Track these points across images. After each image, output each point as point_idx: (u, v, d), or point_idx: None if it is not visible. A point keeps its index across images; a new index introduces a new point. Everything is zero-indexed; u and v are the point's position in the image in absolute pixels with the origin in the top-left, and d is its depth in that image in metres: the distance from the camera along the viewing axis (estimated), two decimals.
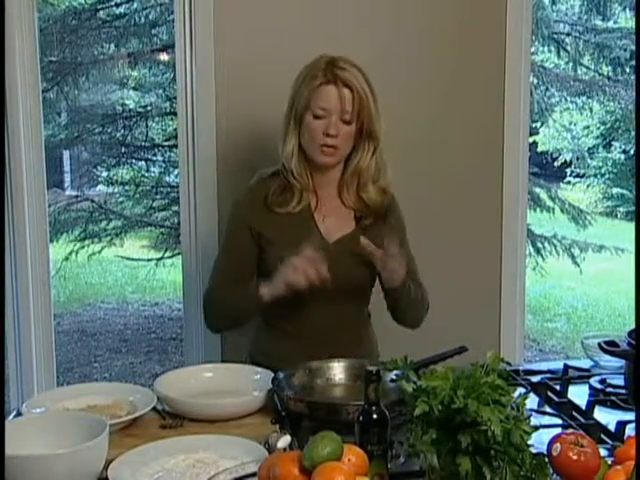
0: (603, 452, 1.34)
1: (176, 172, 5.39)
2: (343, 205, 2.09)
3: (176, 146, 3.46)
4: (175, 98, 3.22)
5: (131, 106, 6.64)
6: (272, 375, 1.76)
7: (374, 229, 2.07)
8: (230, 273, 2.08)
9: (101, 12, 5.91)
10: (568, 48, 6.98)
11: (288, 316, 2.05)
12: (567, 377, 1.95)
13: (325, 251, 2.00)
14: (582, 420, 1.66)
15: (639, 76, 1.81)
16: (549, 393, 1.84)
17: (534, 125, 9.57)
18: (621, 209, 10.98)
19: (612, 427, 1.60)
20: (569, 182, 11.38)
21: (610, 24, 7.85)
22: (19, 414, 1.66)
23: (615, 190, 11.04)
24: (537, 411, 1.73)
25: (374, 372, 1.29)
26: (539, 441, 1.29)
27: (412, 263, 2.15)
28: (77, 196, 6.38)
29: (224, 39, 2.64)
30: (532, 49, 3.36)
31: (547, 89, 7.12)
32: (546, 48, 7.14)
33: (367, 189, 2.06)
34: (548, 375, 1.95)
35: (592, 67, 7.53)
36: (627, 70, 7.69)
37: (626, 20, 8.13)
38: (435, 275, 2.62)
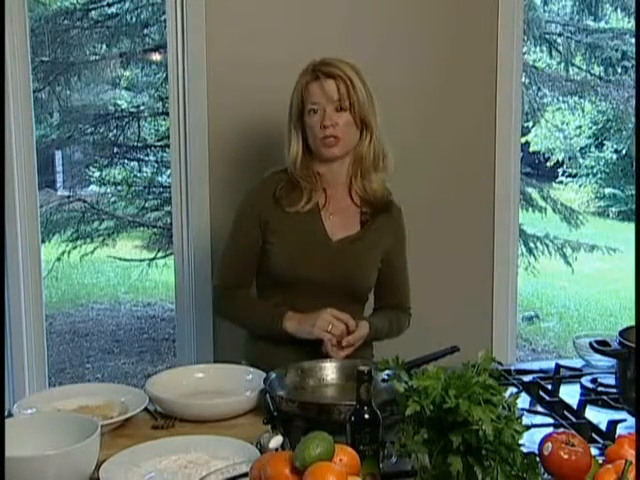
0: (594, 451, 1.34)
1: (168, 172, 5.37)
2: (352, 203, 2.12)
3: (168, 146, 3.45)
4: (167, 98, 3.21)
5: (123, 106, 6.63)
6: (264, 375, 1.76)
7: (377, 232, 2.11)
8: (235, 262, 2.13)
9: (93, 12, 5.91)
10: (560, 48, 7.00)
11: None
12: (559, 376, 1.95)
13: (327, 248, 2.04)
14: (573, 419, 1.67)
15: (639, 76, 1.81)
16: (541, 392, 1.84)
17: (526, 125, 9.56)
18: (613, 209, 10.99)
19: (603, 426, 1.60)
20: (561, 182, 11.38)
21: (602, 24, 7.86)
22: (10, 415, 1.66)
23: (607, 190, 11.03)
24: (529, 410, 1.73)
25: (366, 372, 1.29)
26: (530, 440, 1.29)
27: (405, 280, 2.21)
28: (69, 196, 6.35)
29: (216, 39, 2.64)
30: (524, 49, 3.36)
31: (539, 89, 7.12)
32: (538, 48, 7.16)
33: (370, 177, 2.10)
34: (540, 374, 1.96)
35: (584, 67, 7.54)
36: (619, 70, 7.72)
37: (617, 20, 8.15)
38: (427, 275, 2.63)
